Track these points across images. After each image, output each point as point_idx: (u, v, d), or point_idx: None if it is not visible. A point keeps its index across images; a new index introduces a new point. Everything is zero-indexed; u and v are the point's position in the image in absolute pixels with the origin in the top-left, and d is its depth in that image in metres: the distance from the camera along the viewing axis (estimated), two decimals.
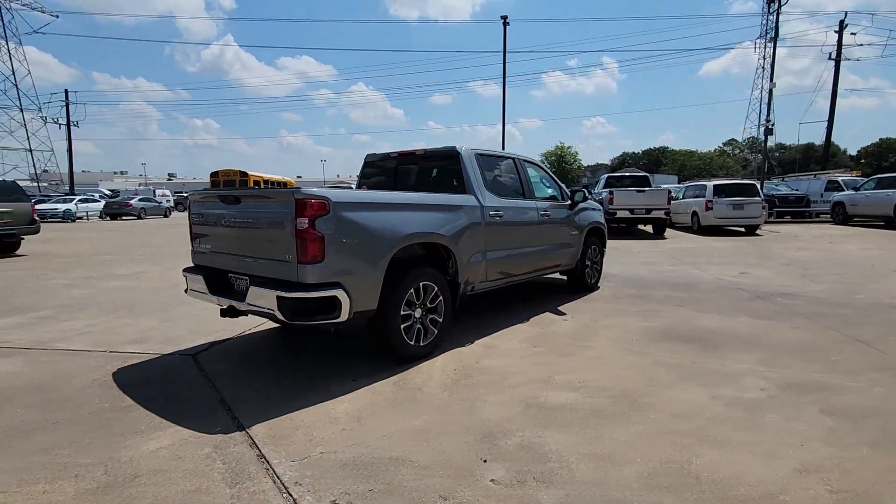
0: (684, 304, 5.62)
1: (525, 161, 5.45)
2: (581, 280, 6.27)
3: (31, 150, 68.55)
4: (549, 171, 5.86)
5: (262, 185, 25.28)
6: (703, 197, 13.95)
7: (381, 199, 3.56)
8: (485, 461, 2.34)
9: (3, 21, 63.63)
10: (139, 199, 27.45)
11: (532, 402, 3.01)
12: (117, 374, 3.58)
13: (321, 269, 3.10)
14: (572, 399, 3.06)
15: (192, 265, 4.07)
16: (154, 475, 2.24)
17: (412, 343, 3.71)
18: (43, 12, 68.45)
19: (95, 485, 2.17)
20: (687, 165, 72.49)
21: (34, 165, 69.60)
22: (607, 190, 13.84)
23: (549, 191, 5.75)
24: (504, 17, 22.23)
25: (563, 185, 5.96)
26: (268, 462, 2.35)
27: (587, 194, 5.94)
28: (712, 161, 71.88)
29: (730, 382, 3.29)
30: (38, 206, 26.23)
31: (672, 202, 16.61)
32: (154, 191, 35.10)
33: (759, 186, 14.17)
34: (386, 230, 3.43)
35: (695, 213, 14.43)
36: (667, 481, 2.16)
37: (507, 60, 23.47)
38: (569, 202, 5.84)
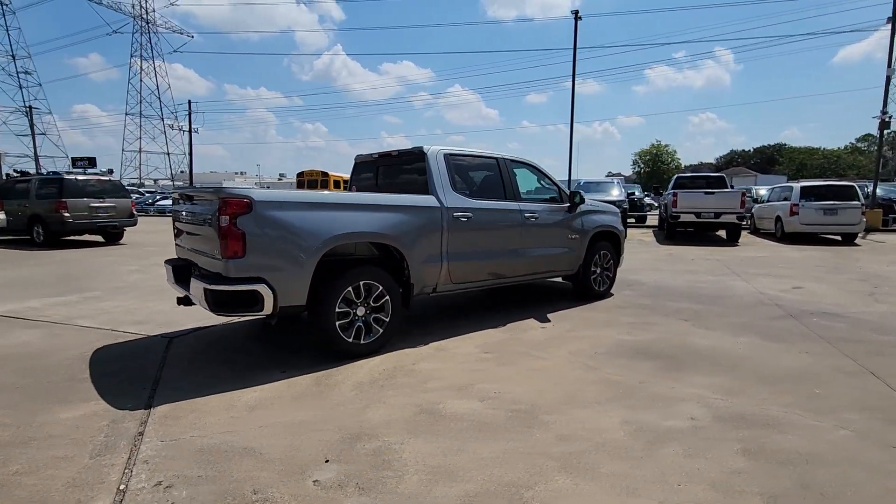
0: (692, 318, 5.08)
1: (516, 162, 5.26)
2: (586, 287, 5.90)
3: (168, 154, 78.85)
4: (545, 172, 5.59)
5: (343, 185, 26.72)
6: (789, 200, 12.35)
7: (310, 198, 3.66)
8: (327, 461, 2.35)
9: (150, 43, 73.90)
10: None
11: (428, 409, 2.94)
12: (100, 350, 4.05)
13: (242, 264, 3.28)
14: (471, 409, 2.94)
15: (174, 257, 4.49)
16: (44, 440, 2.54)
17: (351, 340, 3.77)
18: (181, 34, 78.30)
19: None
20: (808, 164, 64.48)
21: (171, 167, 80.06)
22: (672, 191, 12.78)
23: (544, 193, 5.50)
24: (575, 12, 21.34)
25: (562, 187, 5.66)
26: (140, 440, 2.55)
27: (584, 196, 5.59)
28: (839, 160, 63.18)
29: (661, 408, 2.95)
30: (160, 202, 29.87)
31: (756, 205, 14.98)
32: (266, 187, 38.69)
33: (858, 189, 12.22)
34: (314, 229, 3.53)
35: (778, 219, 12.81)
36: None
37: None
38: (567, 205, 5.53)
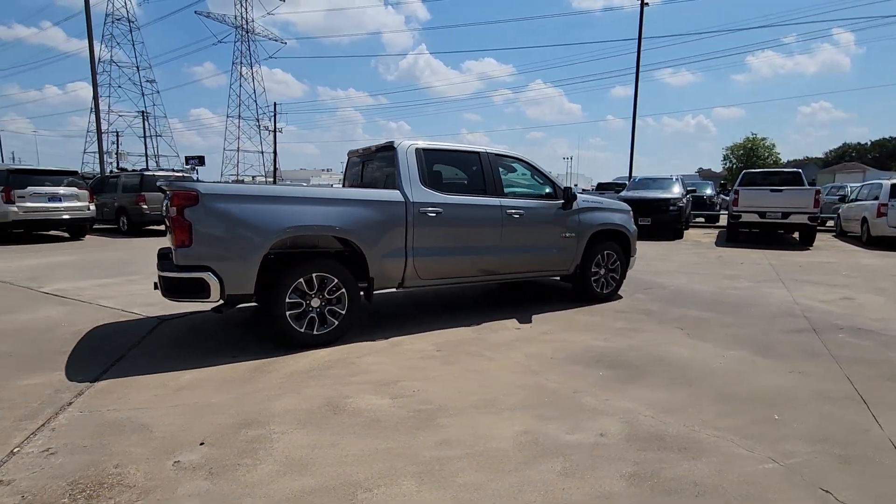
0: (691, 327, 4.62)
1: (503, 157, 5.09)
2: (586, 288, 5.57)
3: (262, 152, 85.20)
4: (538, 168, 5.34)
5: None
6: (877, 200, 10.77)
7: (260, 192, 3.78)
8: (202, 444, 2.44)
9: (249, 50, 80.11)
10: None
11: (335, 402, 2.94)
12: (99, 327, 4.49)
13: (188, 253, 3.48)
14: (377, 406, 2.90)
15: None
16: None
17: (303, 330, 3.87)
18: (276, 41, 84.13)
19: None
20: None
21: (264, 164, 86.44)
22: (735, 189, 11.65)
23: (538, 189, 5.25)
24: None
25: (557, 184, 5.37)
26: (64, 410, 2.80)
27: (575, 192, 5.27)
28: None
29: (576, 420, 2.72)
30: None
31: (843, 205, 13.29)
32: (332, 184, 40.85)
33: None
34: (261, 222, 3.64)
35: (864, 220, 11.22)
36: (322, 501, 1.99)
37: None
38: (561, 201, 5.25)
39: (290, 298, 3.78)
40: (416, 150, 4.51)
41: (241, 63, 76.22)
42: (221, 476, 2.16)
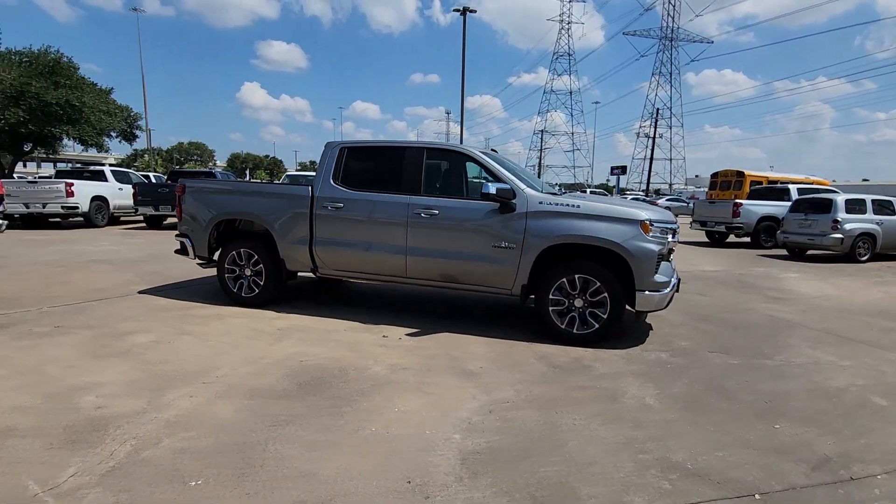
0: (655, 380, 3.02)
1: (437, 151, 4.60)
2: (544, 320, 4.18)
3: (670, 160, 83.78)
4: (488, 164, 4.33)
5: (764, 184, 21.71)
6: None
7: (216, 186, 5.18)
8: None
9: (671, 58, 79.82)
10: (666, 200, 29.66)
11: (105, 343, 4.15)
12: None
13: (180, 226, 5.38)
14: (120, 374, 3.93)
15: None
16: None
17: (235, 291, 5.14)
18: (701, 41, 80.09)
19: None
20: None
21: (671, 172, 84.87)
22: None
23: (502, 187, 4.26)
24: None
25: (513, 182, 4.22)
26: None
27: (514, 191, 3.96)
28: None
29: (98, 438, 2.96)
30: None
31: None
32: (691, 193, 36.09)
33: None
34: (210, 208, 5.11)
35: None
36: None
37: None
38: (498, 204, 4.19)
39: (227, 265, 5.12)
40: (341, 148, 4.85)
41: (660, 73, 76.37)
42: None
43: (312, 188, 4.81)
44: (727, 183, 24.14)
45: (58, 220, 13.68)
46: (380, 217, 4.59)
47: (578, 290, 4.05)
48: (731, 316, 5.25)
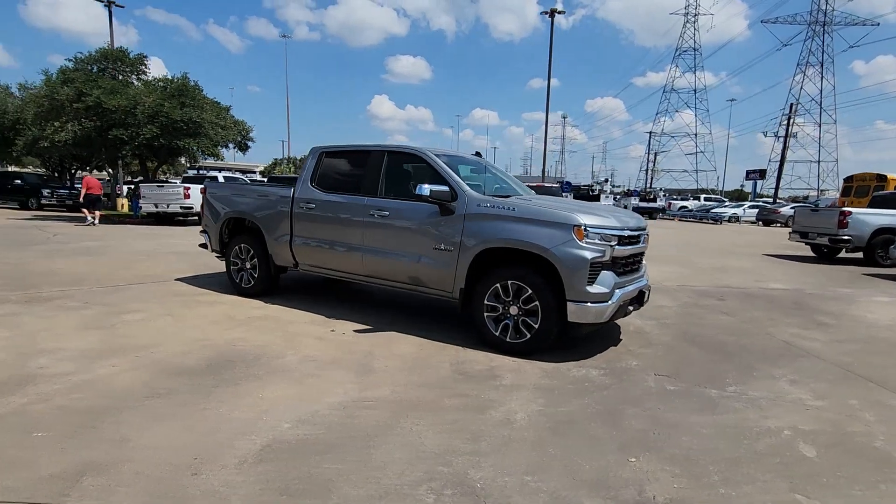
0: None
1: (395, 153, 4.69)
2: (477, 326, 4.05)
3: (818, 162, 72.91)
4: (434, 164, 4.27)
5: None
6: None
7: (229, 189, 5.78)
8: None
9: (822, 46, 69.46)
10: (790, 208, 25.82)
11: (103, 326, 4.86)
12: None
13: (203, 222, 6.12)
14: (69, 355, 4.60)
15: None
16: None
17: (237, 282, 5.73)
18: (864, 24, 68.50)
19: None
20: None
21: (819, 175, 74.06)
22: None
23: (438, 188, 4.26)
24: None
25: (453, 182, 4.15)
26: None
27: (454, 193, 3.91)
28: None
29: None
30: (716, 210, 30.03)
31: None
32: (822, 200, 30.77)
33: None
34: (222, 206, 5.75)
35: None
36: None
37: None
38: (437, 205, 4.15)
39: (233, 257, 5.72)
40: (320, 152, 5.16)
41: (808, 63, 66.59)
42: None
43: (294, 189, 5.19)
44: (864, 189, 20.44)
45: (180, 217, 16.12)
46: (342, 217, 4.80)
47: (512, 297, 3.85)
48: (735, 339, 4.53)
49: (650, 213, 28.88)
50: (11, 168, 28.39)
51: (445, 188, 4.11)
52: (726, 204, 31.36)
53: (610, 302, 3.66)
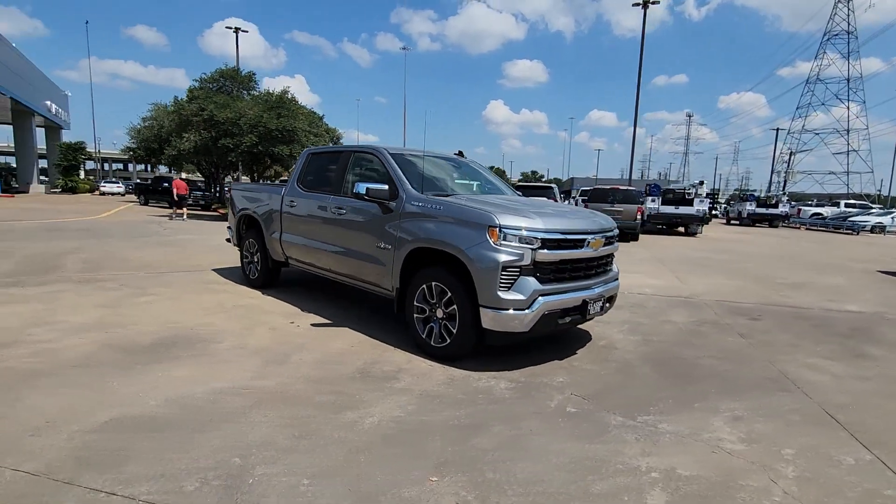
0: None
1: (358, 153, 4.75)
2: (411, 330, 3.96)
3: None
4: (385, 162, 4.23)
5: None
6: None
7: (243, 187, 6.29)
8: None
9: None
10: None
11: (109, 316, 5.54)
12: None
13: (229, 219, 6.77)
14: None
15: None
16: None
17: (246, 273, 6.26)
18: None
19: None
20: None
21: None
22: None
23: (375, 187, 4.31)
24: None
25: (398, 180, 4.10)
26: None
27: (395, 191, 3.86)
28: None
29: None
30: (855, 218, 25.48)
31: None
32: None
33: None
34: (238, 205, 6.31)
35: None
36: None
37: None
38: (377, 203, 4.14)
39: (245, 250, 6.27)
40: (309, 154, 5.44)
41: None
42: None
43: (284, 189, 5.53)
44: None
45: None
46: (315, 215, 5.02)
47: (436, 299, 3.71)
48: (716, 364, 3.85)
49: (770, 221, 25.15)
50: (183, 175, 34.53)
51: (384, 187, 4.09)
52: (872, 211, 26.05)
53: (527, 311, 3.35)
